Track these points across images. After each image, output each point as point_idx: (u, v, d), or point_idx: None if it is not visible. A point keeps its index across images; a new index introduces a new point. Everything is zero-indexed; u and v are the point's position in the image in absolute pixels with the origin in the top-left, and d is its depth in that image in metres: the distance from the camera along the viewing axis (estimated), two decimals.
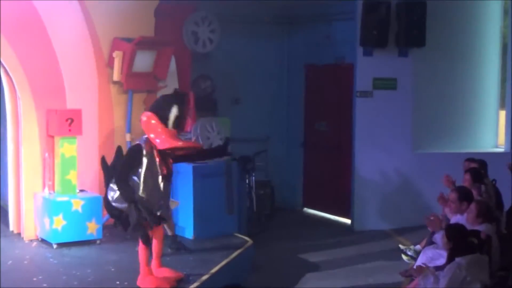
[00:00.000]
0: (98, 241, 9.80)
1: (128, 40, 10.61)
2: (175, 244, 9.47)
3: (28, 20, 10.16)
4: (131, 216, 7.58)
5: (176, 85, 11.25)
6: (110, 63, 10.72)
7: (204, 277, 8.28)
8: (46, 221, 9.72)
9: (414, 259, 9.27)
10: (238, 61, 12.79)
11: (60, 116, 9.88)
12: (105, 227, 9.86)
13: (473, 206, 8.10)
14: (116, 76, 10.68)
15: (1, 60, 10.14)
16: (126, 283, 8.11)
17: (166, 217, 8.07)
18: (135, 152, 7.79)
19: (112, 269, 8.69)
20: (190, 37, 11.53)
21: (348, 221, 12.52)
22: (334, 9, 12.67)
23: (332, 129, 13.13)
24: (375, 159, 12.19)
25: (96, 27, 10.64)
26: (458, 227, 7.35)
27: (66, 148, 9.87)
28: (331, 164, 13.08)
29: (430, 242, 8.85)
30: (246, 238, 10.20)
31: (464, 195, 8.57)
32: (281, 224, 12.39)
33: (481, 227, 7.75)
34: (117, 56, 10.60)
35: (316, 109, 13.40)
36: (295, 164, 13.62)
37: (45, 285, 8.02)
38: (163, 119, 7.76)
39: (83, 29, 10.57)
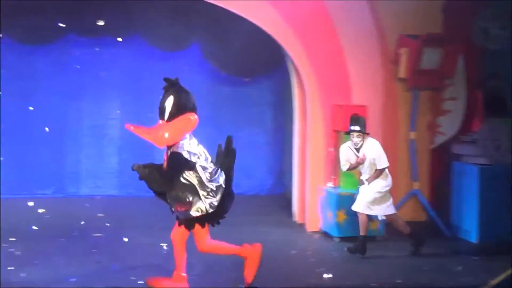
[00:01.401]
0: (379, 238, 9.78)
1: (414, 37, 10.45)
2: (416, 242, 9.25)
3: (318, 18, 10.41)
4: None
5: (464, 84, 10.89)
6: (395, 60, 10.64)
7: (491, 283, 7.88)
8: (329, 214, 9.90)
9: None
10: None
11: (346, 112, 9.96)
12: (386, 224, 9.80)
13: None
14: (401, 73, 10.58)
15: (291, 57, 10.50)
16: (404, 281, 8.01)
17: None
18: None
19: (392, 266, 8.62)
20: (479, 34, 11.07)
21: None
22: None
23: None
24: None
25: (382, 24, 10.63)
26: None
27: None
28: None
29: None
30: None
31: None
32: None
33: None
34: (404, 53, 10.49)
35: None
36: None
37: (327, 276, 8.14)
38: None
39: (369, 26, 10.61)
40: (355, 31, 10.57)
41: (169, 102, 7.09)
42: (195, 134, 7.25)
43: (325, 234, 10.08)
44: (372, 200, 9.15)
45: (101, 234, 9.82)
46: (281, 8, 10.30)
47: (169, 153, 7.10)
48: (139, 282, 7.69)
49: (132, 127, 7.14)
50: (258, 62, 12.29)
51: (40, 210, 10.49)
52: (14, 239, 9.35)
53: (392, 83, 10.78)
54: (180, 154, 7.01)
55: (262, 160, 12.87)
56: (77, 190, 12.65)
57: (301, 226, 10.57)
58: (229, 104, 12.94)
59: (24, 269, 8.10)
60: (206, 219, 7.20)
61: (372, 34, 10.68)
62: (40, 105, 12.34)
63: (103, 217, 10.70)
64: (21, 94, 12.26)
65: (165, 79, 7.33)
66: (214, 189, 7.13)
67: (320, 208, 10.25)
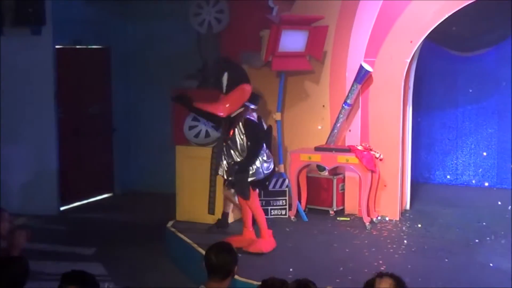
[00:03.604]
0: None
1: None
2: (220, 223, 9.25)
3: None
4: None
5: None
6: None
7: None
8: None
9: None
10: None
11: None
12: None
13: None
14: None
15: None
16: None
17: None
18: None
19: None
20: None
21: None
22: None
23: None
24: None
25: None
26: None
27: None
28: None
29: None
30: None
31: None
32: None
33: None
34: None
35: None
36: None
37: None
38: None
39: None
40: None
41: (225, 77, 7.92)
42: None
43: None
44: None
45: None
46: None
47: (241, 121, 7.93)
48: None
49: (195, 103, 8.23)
50: None
51: None
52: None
53: None
54: (253, 120, 7.95)
55: None
56: None
57: None
58: None
59: None
60: (256, 184, 8.06)
61: None
62: None
63: None
64: None
65: (219, 58, 8.46)
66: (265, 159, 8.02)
67: None
